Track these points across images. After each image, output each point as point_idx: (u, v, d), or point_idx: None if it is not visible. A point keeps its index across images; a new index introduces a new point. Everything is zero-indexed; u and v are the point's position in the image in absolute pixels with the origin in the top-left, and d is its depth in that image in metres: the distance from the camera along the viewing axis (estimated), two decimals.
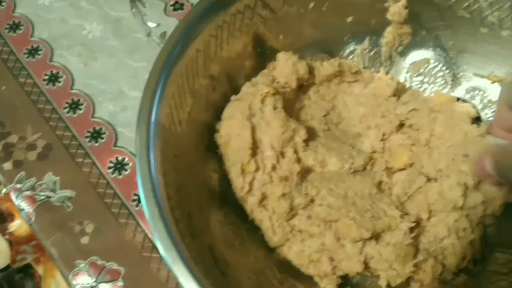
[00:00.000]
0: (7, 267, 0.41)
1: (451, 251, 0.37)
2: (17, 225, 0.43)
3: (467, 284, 0.36)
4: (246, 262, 0.36)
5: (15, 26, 0.53)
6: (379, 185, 0.39)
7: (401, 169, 0.40)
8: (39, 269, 0.42)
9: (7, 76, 0.50)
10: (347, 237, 0.36)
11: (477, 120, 0.40)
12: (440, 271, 0.37)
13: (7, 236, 0.43)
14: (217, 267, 0.33)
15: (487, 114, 0.42)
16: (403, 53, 0.45)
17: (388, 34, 0.44)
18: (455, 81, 0.43)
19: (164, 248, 0.28)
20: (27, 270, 0.42)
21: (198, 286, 0.27)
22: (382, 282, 0.37)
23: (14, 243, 0.43)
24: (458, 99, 0.41)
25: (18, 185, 0.45)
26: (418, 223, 0.38)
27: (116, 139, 0.47)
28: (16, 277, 0.42)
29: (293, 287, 0.37)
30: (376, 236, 0.36)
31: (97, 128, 0.47)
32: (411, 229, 0.36)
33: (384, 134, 0.41)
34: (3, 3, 0.54)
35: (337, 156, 0.39)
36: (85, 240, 0.42)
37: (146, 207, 0.29)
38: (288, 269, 0.38)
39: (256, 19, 0.40)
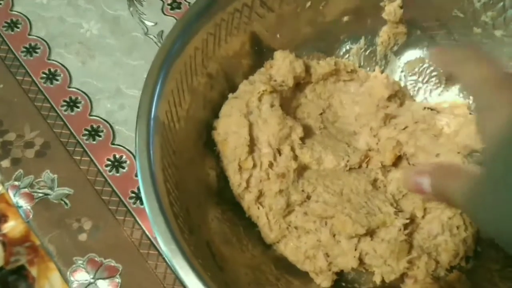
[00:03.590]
0: (1, 268, 0.41)
1: (444, 248, 0.38)
2: (10, 227, 0.44)
3: (460, 281, 0.37)
4: (243, 258, 0.36)
5: (13, 24, 0.53)
6: (374, 182, 0.40)
7: (394, 164, 0.40)
8: (33, 271, 0.42)
9: (5, 74, 0.50)
10: (342, 233, 0.36)
11: None
12: (434, 268, 0.37)
13: (0, 238, 0.43)
14: (215, 262, 0.33)
15: None
16: (398, 53, 0.45)
17: (384, 34, 0.44)
18: (449, 80, 0.44)
19: (163, 242, 0.29)
20: (20, 272, 0.42)
21: (197, 279, 0.28)
22: (377, 278, 0.37)
23: (8, 244, 0.43)
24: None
25: (16, 183, 0.45)
26: (412, 220, 0.38)
27: (114, 137, 0.47)
28: (10, 278, 0.42)
29: (289, 283, 0.37)
30: (371, 233, 0.37)
31: (95, 126, 0.47)
32: (405, 226, 0.37)
33: (372, 128, 0.41)
34: (1, 1, 0.54)
35: (333, 154, 0.40)
36: (83, 237, 0.43)
37: (146, 202, 0.30)
38: (284, 265, 0.38)
39: (254, 18, 0.40)
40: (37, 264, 0.42)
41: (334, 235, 0.37)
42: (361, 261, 0.37)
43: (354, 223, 0.35)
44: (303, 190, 0.38)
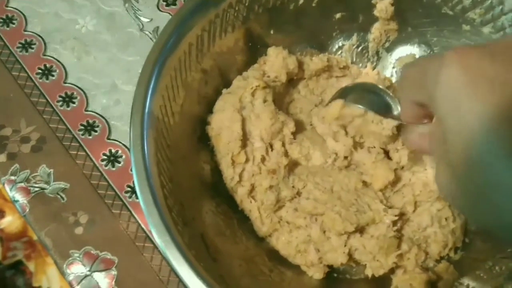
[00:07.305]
0: None
1: (433, 239, 0.38)
2: (7, 222, 0.44)
3: (448, 271, 0.38)
4: (237, 250, 0.37)
5: (8, 20, 0.53)
6: (364, 180, 0.40)
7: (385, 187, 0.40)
8: (30, 266, 0.42)
9: (0, 69, 0.50)
10: (332, 230, 0.37)
11: None
12: (423, 259, 0.38)
13: None
14: (209, 254, 0.34)
15: None
16: (390, 49, 0.46)
17: (375, 30, 0.45)
18: None
19: (157, 234, 0.29)
20: (18, 267, 0.43)
21: (191, 270, 0.28)
22: (368, 272, 0.38)
23: (5, 239, 0.43)
24: None
25: (12, 177, 0.45)
26: (402, 214, 0.39)
27: (110, 132, 0.47)
28: (7, 273, 0.42)
29: (282, 274, 0.38)
30: (360, 229, 0.37)
31: (91, 121, 0.48)
32: (395, 222, 0.37)
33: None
34: None
35: (320, 151, 0.40)
36: (79, 230, 0.43)
37: (140, 194, 0.30)
38: (277, 257, 0.39)
39: (248, 14, 0.41)
40: (34, 259, 0.43)
41: (324, 231, 0.38)
42: (350, 256, 0.38)
43: (344, 221, 0.36)
44: (293, 186, 0.39)
